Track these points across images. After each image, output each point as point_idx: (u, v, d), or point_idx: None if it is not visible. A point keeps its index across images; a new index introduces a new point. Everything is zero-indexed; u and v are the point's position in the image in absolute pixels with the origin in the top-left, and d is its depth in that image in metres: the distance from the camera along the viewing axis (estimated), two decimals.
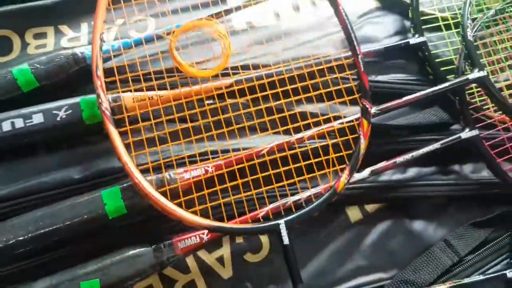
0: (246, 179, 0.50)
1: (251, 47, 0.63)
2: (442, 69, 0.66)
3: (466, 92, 0.65)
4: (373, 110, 0.57)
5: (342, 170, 0.51)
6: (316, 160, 0.52)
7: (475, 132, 0.61)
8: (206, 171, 0.52)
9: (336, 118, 0.56)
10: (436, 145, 0.59)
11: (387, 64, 0.66)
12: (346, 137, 0.53)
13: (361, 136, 0.52)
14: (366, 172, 0.56)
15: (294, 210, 0.50)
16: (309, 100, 0.55)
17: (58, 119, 0.52)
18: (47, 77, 0.54)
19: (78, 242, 0.50)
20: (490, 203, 0.64)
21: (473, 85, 0.65)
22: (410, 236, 0.60)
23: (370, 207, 0.61)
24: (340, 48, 0.63)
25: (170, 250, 0.49)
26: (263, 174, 0.51)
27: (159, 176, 0.50)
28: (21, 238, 0.47)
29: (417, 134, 0.62)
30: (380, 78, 0.64)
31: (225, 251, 0.56)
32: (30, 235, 0.47)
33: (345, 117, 0.56)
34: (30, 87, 0.54)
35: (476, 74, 0.61)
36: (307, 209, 0.48)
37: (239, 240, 0.57)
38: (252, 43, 0.63)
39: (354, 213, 0.60)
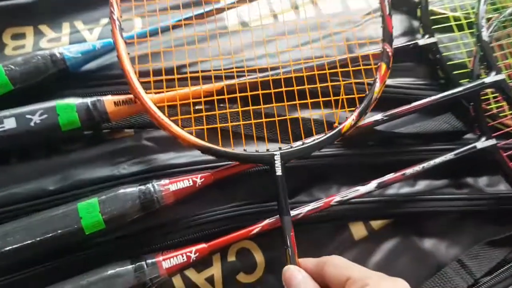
0: (247, 108, 0.51)
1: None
2: (454, 72, 0.63)
3: (481, 98, 0.61)
4: (380, 116, 0.53)
5: (351, 112, 0.51)
6: (325, 99, 0.52)
7: (492, 142, 0.58)
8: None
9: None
10: (450, 156, 0.55)
11: (394, 67, 0.61)
12: (361, 80, 0.53)
13: (377, 80, 0.52)
14: (372, 185, 0.52)
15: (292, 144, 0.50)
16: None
17: (32, 124, 0.48)
18: (22, 79, 0.51)
19: (52, 260, 0.47)
20: (508, 219, 0.59)
21: (489, 90, 0.61)
22: (419, 255, 0.56)
23: (375, 224, 0.57)
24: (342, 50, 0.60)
25: (153, 270, 0.45)
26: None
27: None
28: None
29: (427, 143, 0.59)
30: (387, 82, 0.58)
31: (215, 270, 0.52)
32: None
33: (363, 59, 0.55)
34: (3, 90, 0.50)
35: (493, 77, 0.57)
36: (306, 145, 0.48)
37: (231, 258, 0.53)
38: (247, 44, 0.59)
39: (358, 230, 0.56)
